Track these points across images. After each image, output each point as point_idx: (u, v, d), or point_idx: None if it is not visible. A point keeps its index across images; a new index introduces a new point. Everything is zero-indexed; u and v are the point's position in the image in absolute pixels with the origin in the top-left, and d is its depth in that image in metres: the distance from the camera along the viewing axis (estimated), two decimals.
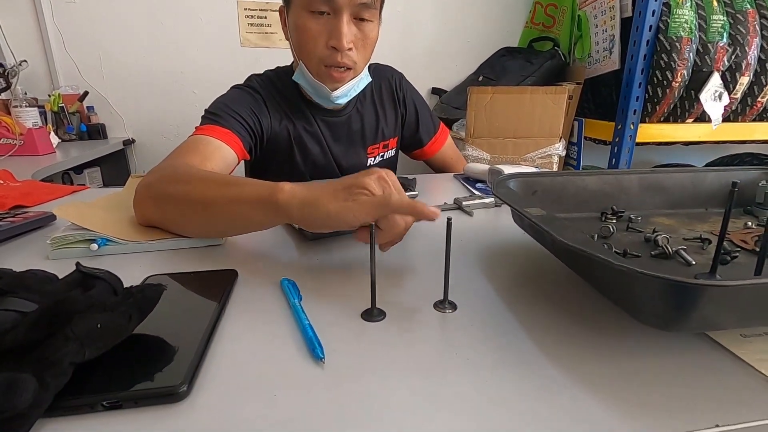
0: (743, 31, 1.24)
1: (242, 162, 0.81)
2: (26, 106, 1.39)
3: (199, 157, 0.64)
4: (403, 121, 0.95)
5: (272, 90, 0.82)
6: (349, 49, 0.71)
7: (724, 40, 1.23)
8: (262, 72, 0.86)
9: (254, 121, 0.77)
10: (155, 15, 1.65)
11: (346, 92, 0.77)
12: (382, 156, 0.92)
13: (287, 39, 0.79)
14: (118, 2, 1.62)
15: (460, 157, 1.08)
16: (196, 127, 0.72)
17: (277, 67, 0.87)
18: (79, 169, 1.52)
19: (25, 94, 1.45)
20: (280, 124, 0.82)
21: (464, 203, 0.65)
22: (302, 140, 0.83)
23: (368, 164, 0.90)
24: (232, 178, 0.48)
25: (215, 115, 0.73)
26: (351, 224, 0.39)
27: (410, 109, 0.95)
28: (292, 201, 0.40)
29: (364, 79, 0.79)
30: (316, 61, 0.72)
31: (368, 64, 0.83)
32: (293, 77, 0.78)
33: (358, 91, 0.80)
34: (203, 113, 0.75)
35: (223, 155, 0.69)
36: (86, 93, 1.62)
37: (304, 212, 0.40)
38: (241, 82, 0.84)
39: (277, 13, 0.81)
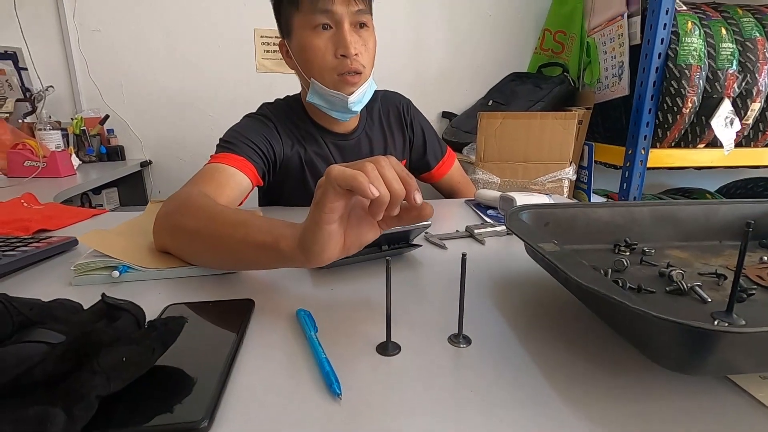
0: (753, 58, 1.25)
1: (256, 187, 0.83)
2: (50, 129, 1.44)
3: (214, 185, 0.67)
4: (411, 144, 0.99)
5: (283, 117, 0.85)
6: (356, 55, 0.75)
7: (734, 67, 1.24)
8: (273, 100, 0.90)
9: (267, 148, 0.80)
10: (175, 42, 1.72)
11: (360, 98, 0.80)
12: None
13: (292, 68, 0.82)
14: (140, 30, 1.69)
15: (468, 182, 1.09)
16: (211, 156, 0.75)
17: (287, 96, 0.91)
18: (97, 189, 1.56)
19: (50, 117, 1.51)
20: (292, 149, 0.85)
21: (476, 231, 0.65)
22: (314, 164, 0.86)
23: None
24: (242, 216, 0.47)
25: (229, 144, 0.76)
26: (328, 218, 0.36)
27: (418, 132, 0.99)
28: (294, 247, 0.39)
29: (372, 86, 0.83)
30: (329, 72, 0.76)
31: (377, 91, 0.88)
32: (307, 98, 0.81)
33: (369, 97, 0.83)
34: (218, 142, 0.78)
35: (237, 182, 0.72)
36: (107, 116, 1.68)
37: (306, 252, 0.38)
38: (255, 107, 0.88)
39: None
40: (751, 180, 1.73)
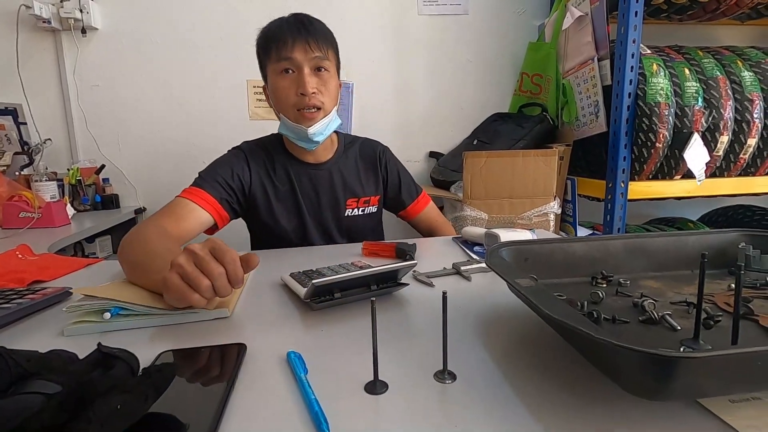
0: (716, 95, 1.33)
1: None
2: (46, 180, 1.47)
3: (174, 217, 0.81)
4: (385, 183, 1.08)
5: (258, 149, 0.98)
6: (314, 93, 0.87)
7: (700, 103, 1.32)
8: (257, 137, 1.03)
9: (236, 182, 0.93)
10: (171, 93, 1.79)
11: (322, 129, 0.91)
12: (363, 210, 1.04)
13: (271, 107, 0.95)
14: (138, 84, 1.77)
15: (446, 222, 1.17)
16: (184, 189, 0.87)
17: (271, 134, 1.02)
18: (90, 238, 1.57)
19: (46, 169, 1.54)
20: (261, 177, 0.96)
21: (462, 268, 0.67)
22: (281, 191, 0.97)
23: (345, 214, 1.02)
24: (159, 253, 0.61)
25: (202, 180, 0.90)
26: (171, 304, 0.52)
27: (392, 173, 1.09)
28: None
29: (334, 120, 0.94)
30: (291, 107, 0.89)
31: (358, 137, 1.04)
32: (278, 129, 0.94)
33: (332, 129, 0.94)
34: (197, 174, 0.90)
35: (197, 216, 0.85)
36: (103, 166, 1.71)
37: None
38: None
39: None
40: (731, 208, 1.79)
